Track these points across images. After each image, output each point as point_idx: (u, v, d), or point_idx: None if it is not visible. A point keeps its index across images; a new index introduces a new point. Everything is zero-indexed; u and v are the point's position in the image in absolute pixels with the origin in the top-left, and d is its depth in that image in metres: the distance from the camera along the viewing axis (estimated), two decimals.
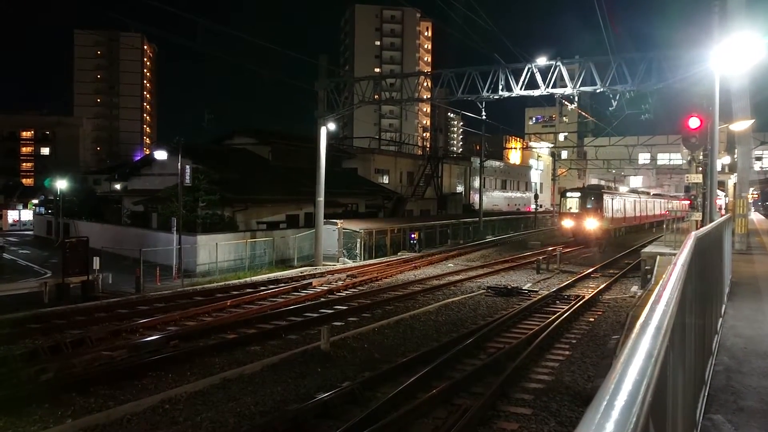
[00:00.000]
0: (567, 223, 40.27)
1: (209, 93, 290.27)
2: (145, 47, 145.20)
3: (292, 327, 14.73)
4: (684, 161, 61.54)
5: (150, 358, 11.46)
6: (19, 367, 11.07)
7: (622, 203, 45.55)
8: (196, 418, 8.54)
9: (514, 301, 18.77)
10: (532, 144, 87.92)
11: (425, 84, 33.50)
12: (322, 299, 18.95)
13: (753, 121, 22.99)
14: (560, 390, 9.66)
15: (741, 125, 21.50)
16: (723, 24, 18.62)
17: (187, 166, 27.03)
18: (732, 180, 33.85)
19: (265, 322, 15.45)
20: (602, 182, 73.12)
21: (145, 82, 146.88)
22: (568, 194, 41.65)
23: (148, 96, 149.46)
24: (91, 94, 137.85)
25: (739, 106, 21.86)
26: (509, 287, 20.81)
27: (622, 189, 61.66)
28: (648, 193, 63.06)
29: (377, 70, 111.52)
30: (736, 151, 25.76)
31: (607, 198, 40.97)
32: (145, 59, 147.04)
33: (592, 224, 38.75)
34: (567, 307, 16.89)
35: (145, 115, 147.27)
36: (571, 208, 40.19)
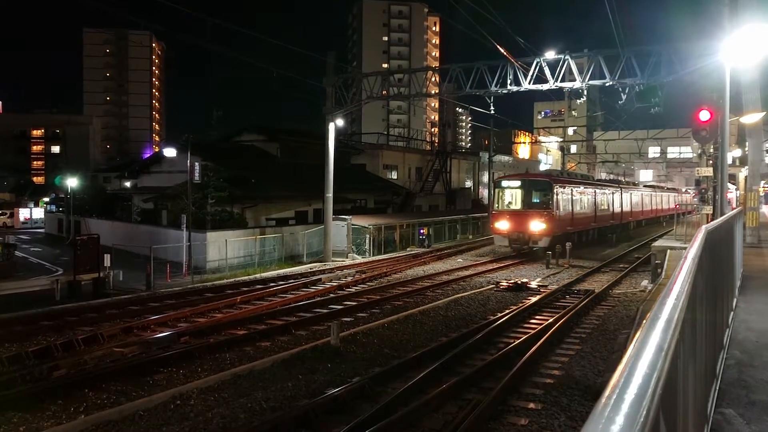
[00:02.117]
0: (502, 226, 29.09)
1: (218, 90, 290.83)
2: (154, 45, 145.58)
3: (301, 323, 14.77)
4: (694, 154, 60.83)
5: (161, 355, 11.53)
6: (32, 363, 11.17)
7: (587, 197, 34.76)
8: (207, 414, 8.58)
9: (523, 296, 18.73)
10: (541, 138, 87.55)
11: (433, 79, 33.45)
12: (332, 295, 18.98)
13: (764, 113, 22.78)
14: (570, 384, 9.64)
15: (752, 117, 21.33)
16: (733, 15, 18.45)
17: (197, 164, 27.12)
18: (743, 173, 33.55)
19: (274, 318, 15.50)
20: (583, 169, 61.37)
21: (153, 80, 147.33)
22: (504, 184, 30.33)
23: (156, 94, 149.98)
24: (101, 92, 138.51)
25: (750, 98, 21.69)
26: (519, 282, 20.77)
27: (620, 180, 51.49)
28: (634, 184, 53.03)
29: (385, 65, 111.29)
30: (747, 143, 25.55)
31: (559, 190, 29.73)
32: (154, 57, 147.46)
33: (536, 227, 28.15)
34: (577, 302, 16.85)
35: (154, 112, 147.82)
36: (510, 203, 29.91)
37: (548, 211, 28.63)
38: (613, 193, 40.24)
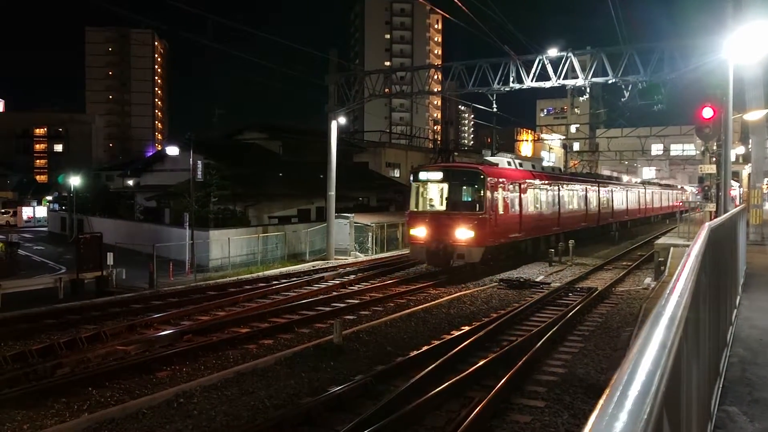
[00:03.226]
0: (419, 233, 21.84)
1: (220, 88, 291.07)
2: (156, 43, 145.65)
3: (304, 321, 14.79)
4: (697, 152, 60.58)
5: (164, 353, 11.55)
6: (35, 361, 11.20)
7: (544, 195, 27.75)
8: (210, 412, 8.60)
9: (526, 293, 18.72)
10: (543, 136, 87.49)
11: (436, 77, 33.43)
12: (335, 293, 18.99)
13: None
14: (573, 382, 9.64)
15: (755, 115, 21.30)
16: (737, 12, 18.40)
17: (199, 162, 27.15)
18: (746, 170, 33.47)
19: (277, 316, 15.52)
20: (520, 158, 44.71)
21: (156, 78, 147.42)
22: (423, 176, 22.72)
23: (159, 92, 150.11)
24: (103, 90, 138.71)
25: (754, 95, 21.65)
26: (521, 280, 20.77)
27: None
28: (614, 179, 48.28)
29: (387, 63, 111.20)
30: (750, 141, 25.51)
31: (496, 184, 22.16)
32: (156, 56, 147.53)
33: (462, 235, 20.92)
34: (580, 299, 16.84)
35: (156, 111, 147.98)
36: (431, 202, 22.63)
37: (479, 213, 21.23)
38: (587, 190, 34.07)
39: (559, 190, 29.53)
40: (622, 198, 42.75)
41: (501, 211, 22.52)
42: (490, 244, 21.91)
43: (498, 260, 23.56)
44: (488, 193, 21.51)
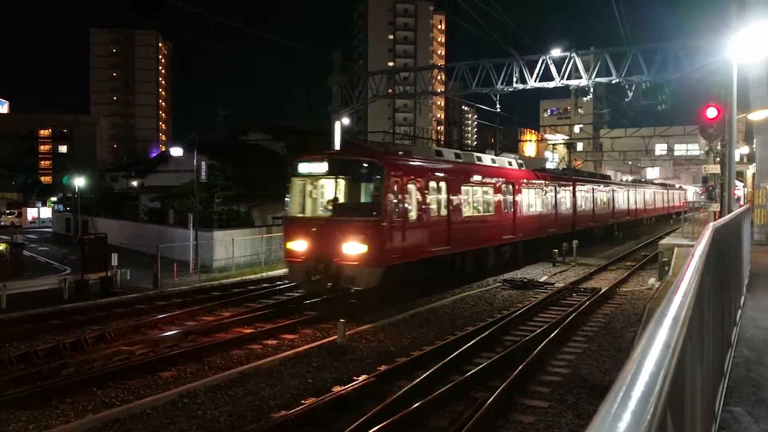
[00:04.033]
0: (297, 247, 16.39)
1: (224, 90, 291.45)
2: (160, 45, 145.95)
3: (308, 321, 14.79)
4: (702, 152, 60.29)
5: (168, 353, 11.57)
6: (40, 362, 11.24)
7: (485, 194, 21.71)
8: (215, 412, 8.61)
9: (530, 294, 18.70)
10: (547, 136, 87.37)
11: (439, 77, 33.45)
12: (339, 293, 18.94)
13: None
14: (577, 383, 9.63)
15: (760, 114, 21.23)
16: (741, 12, 18.37)
17: (203, 163, 27.20)
18: (750, 170, 33.36)
19: (281, 316, 15.52)
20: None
21: (160, 79, 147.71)
22: (305, 168, 17.14)
23: (163, 93, 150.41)
24: (107, 92, 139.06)
25: (758, 95, 21.59)
26: (525, 280, 20.74)
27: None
28: (599, 176, 42.85)
29: (391, 64, 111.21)
30: (754, 140, 25.44)
31: (402, 179, 16.48)
32: (160, 57, 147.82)
33: (352, 250, 15.42)
34: (584, 300, 16.82)
35: (160, 112, 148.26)
36: (316, 205, 17.38)
37: (376, 219, 15.46)
38: (557, 190, 28.85)
39: (515, 188, 23.93)
40: (606, 198, 38.28)
41: (414, 215, 16.84)
42: (396, 260, 15.97)
43: (413, 283, 17.43)
44: (391, 192, 15.75)
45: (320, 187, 17.28)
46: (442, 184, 18.53)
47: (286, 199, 17.63)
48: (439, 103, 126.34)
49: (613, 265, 25.71)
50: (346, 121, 30.92)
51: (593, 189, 35.24)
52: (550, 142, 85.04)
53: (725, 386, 5.26)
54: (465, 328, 13.82)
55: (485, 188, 21.80)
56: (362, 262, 15.26)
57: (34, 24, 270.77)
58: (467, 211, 20.25)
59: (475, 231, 20.69)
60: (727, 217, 9.71)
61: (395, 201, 16.08)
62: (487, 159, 23.91)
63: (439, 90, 38.86)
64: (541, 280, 21.40)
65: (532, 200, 26.03)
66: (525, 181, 25.53)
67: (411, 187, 16.85)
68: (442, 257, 18.71)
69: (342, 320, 12.20)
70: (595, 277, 22.54)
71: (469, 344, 11.56)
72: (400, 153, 19.04)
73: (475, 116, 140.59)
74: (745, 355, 6.51)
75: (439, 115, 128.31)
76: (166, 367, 10.88)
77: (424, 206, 17.47)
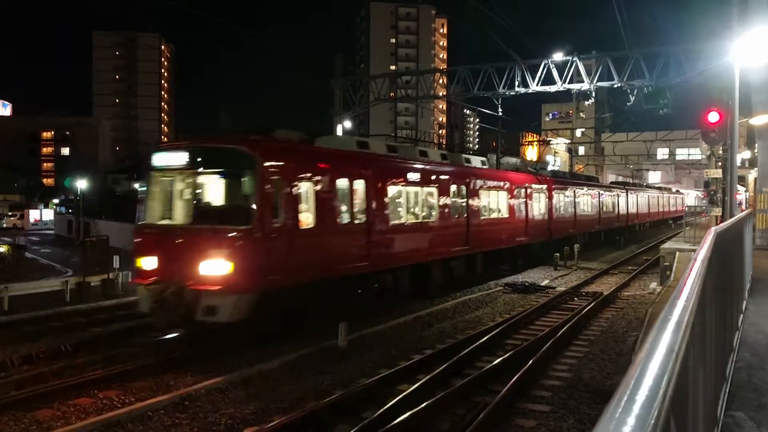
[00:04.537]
0: (148, 265, 12.03)
1: (225, 92, 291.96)
2: (163, 47, 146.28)
3: (309, 323, 14.75)
4: (703, 156, 60.17)
5: (170, 356, 11.56)
6: (42, 364, 11.24)
7: (412, 194, 17.64)
8: (216, 415, 8.61)
9: (531, 298, 18.69)
10: (548, 140, 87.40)
11: (441, 81, 33.49)
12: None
13: None
14: (579, 387, 9.61)
15: (762, 119, 21.23)
16: (743, 16, 18.39)
17: None
18: (752, 175, 33.34)
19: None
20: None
21: (162, 82, 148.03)
22: (160, 160, 12.97)
23: (165, 96, 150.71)
24: (110, 94, 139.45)
25: (760, 99, 21.60)
26: (526, 284, 20.73)
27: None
28: (578, 177, 38.45)
29: (393, 67, 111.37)
30: (756, 145, 25.43)
31: (276, 172, 12.16)
32: (163, 59, 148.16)
33: (212, 269, 11.29)
34: (585, 304, 16.81)
35: (162, 114, 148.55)
36: (172, 208, 13.07)
37: (243, 227, 11.77)
38: (512, 191, 23.93)
39: (472, 190, 20.28)
40: (591, 203, 34.70)
41: (311, 222, 12.91)
42: (279, 283, 11.97)
43: (308, 313, 13.11)
44: (269, 191, 11.90)
45: (181, 184, 12.88)
46: (359, 183, 14.66)
47: (139, 198, 13.66)
48: (441, 106, 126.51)
49: (614, 269, 25.71)
50: (348, 124, 30.96)
51: (575, 192, 31.83)
52: (552, 145, 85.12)
53: (727, 391, 5.25)
54: (466, 331, 13.81)
55: (429, 189, 18.16)
56: (225, 286, 11.19)
57: (37, 27, 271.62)
58: (400, 217, 16.61)
59: (411, 241, 17.04)
60: (729, 221, 9.71)
61: (277, 203, 12.05)
62: (435, 154, 20.11)
63: (441, 93, 38.91)
64: (543, 284, 21.38)
65: (494, 204, 22.55)
66: (486, 182, 21.87)
67: (305, 185, 12.88)
68: (359, 276, 14.68)
69: (343, 323, 12.18)
70: (596, 281, 22.53)
71: (470, 348, 11.55)
72: (293, 140, 14.52)
73: (477, 119, 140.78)
74: (747, 360, 6.50)
75: (441, 119, 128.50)
76: (168, 370, 10.87)
77: (328, 210, 13.57)
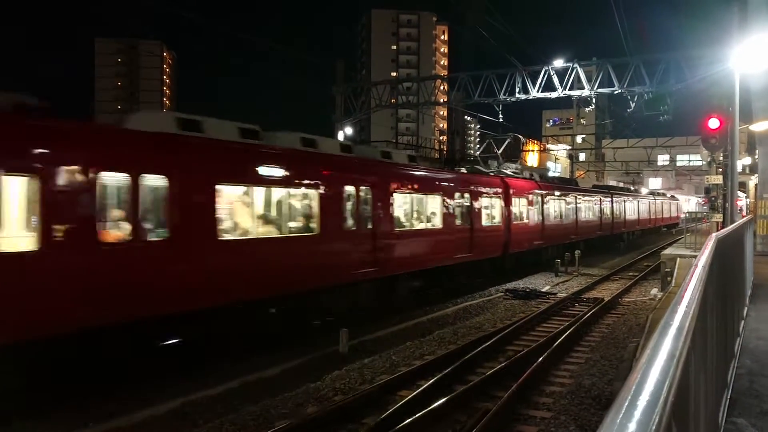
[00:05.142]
0: None
1: (227, 98, 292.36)
2: (165, 54, 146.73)
3: (309, 329, 14.74)
4: (704, 162, 60.16)
5: (170, 361, 11.53)
6: (40, 370, 11.20)
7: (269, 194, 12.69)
8: (216, 421, 8.59)
9: (532, 304, 18.67)
10: (549, 146, 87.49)
11: (442, 87, 33.56)
12: None
13: None
14: (580, 393, 9.59)
15: (762, 125, 21.24)
16: (743, 23, 18.44)
17: None
18: (753, 181, 33.35)
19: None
20: None
21: (164, 88, 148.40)
22: None
23: (167, 102, 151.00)
24: (112, 101, 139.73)
25: (760, 106, 21.62)
26: (527, 290, 20.70)
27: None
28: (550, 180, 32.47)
29: (394, 74, 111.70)
30: (757, 151, 25.45)
31: None
32: (165, 66, 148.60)
33: None
34: (586, 310, 16.79)
35: None
36: None
37: None
38: (474, 194, 20.64)
39: (378, 192, 15.48)
40: (566, 209, 30.44)
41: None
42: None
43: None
44: None
45: None
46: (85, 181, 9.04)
47: None
48: (441, 113, 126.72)
49: (615, 275, 25.68)
50: (349, 130, 31.01)
51: (543, 197, 27.17)
52: (552, 151, 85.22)
53: (728, 397, 5.24)
54: (467, 337, 13.79)
55: (303, 191, 13.47)
56: None
57: (39, 33, 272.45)
58: (237, 229, 11.71)
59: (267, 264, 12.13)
60: (730, 227, 9.71)
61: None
62: (330, 145, 15.26)
63: (442, 100, 39.03)
64: (544, 290, 21.36)
65: (416, 210, 17.86)
66: (406, 183, 17.18)
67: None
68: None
69: (344, 329, 12.17)
70: (597, 287, 22.50)
71: (471, 354, 11.53)
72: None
73: (478, 126, 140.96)
74: (749, 366, 6.49)
75: (442, 125, 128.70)
76: (168, 376, 10.85)
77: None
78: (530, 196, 25.80)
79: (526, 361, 11.00)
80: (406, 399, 8.89)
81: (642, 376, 1.28)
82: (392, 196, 16.27)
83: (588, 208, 34.55)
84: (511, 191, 23.79)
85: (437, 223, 18.55)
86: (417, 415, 8.12)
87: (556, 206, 29.09)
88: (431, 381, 9.74)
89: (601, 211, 36.60)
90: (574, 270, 26.45)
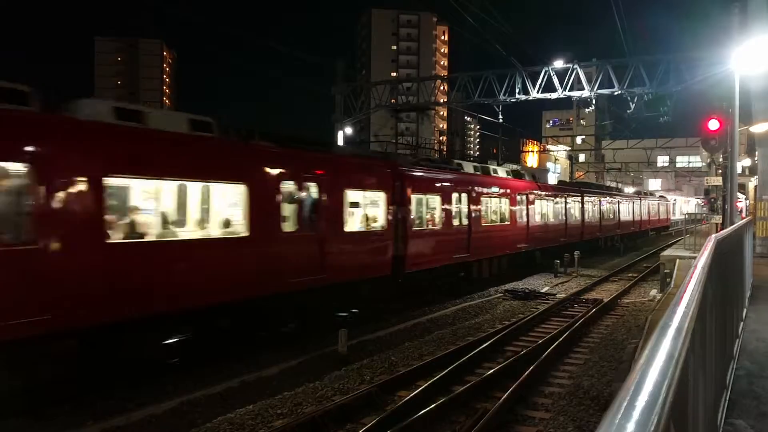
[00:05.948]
0: None
1: (227, 98, 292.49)
2: (165, 53, 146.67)
3: (309, 329, 14.73)
4: (703, 164, 60.14)
5: (169, 361, 11.52)
6: (41, 369, 11.19)
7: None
8: (215, 420, 8.59)
9: (531, 304, 18.67)
10: (549, 147, 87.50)
11: (442, 88, 33.56)
12: None
13: None
14: (579, 394, 9.59)
15: (762, 127, 21.25)
16: (743, 24, 18.45)
17: None
18: (752, 182, 33.32)
19: (283, 325, 15.42)
20: None
21: (164, 87, 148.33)
22: None
23: (167, 102, 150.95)
24: (111, 100, 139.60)
25: (760, 107, 21.62)
26: (527, 290, 20.70)
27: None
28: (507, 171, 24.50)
29: (394, 74, 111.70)
30: (756, 153, 25.46)
31: None
32: (165, 65, 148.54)
33: None
34: (585, 311, 16.79)
35: None
36: None
37: None
38: (428, 194, 17.77)
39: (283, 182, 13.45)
40: (537, 211, 26.11)
41: None
42: None
43: None
44: None
45: None
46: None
47: None
48: (442, 113, 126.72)
49: (614, 277, 25.69)
50: (348, 130, 31.01)
51: (511, 194, 23.03)
52: (552, 152, 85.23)
53: (727, 398, 5.24)
54: (466, 337, 13.79)
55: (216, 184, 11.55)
56: None
57: (39, 32, 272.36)
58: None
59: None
60: (729, 229, 9.71)
61: None
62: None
63: (442, 100, 39.06)
64: (543, 290, 21.35)
65: (347, 211, 14.60)
66: (326, 178, 14.20)
67: None
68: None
69: (343, 330, 12.16)
70: (596, 288, 22.50)
71: (470, 354, 11.53)
72: None
73: (478, 126, 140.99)
74: (748, 368, 6.49)
75: (442, 126, 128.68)
76: (167, 375, 10.84)
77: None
78: (492, 192, 21.13)
79: (526, 362, 11.01)
80: (405, 399, 8.89)
81: (641, 377, 1.28)
82: (330, 200, 13.81)
83: (560, 210, 29.36)
84: (472, 189, 19.89)
85: (374, 224, 15.90)
86: (416, 415, 8.12)
87: (526, 209, 24.39)
88: (430, 381, 9.74)
89: (566, 213, 30.19)
90: (574, 271, 26.45)
